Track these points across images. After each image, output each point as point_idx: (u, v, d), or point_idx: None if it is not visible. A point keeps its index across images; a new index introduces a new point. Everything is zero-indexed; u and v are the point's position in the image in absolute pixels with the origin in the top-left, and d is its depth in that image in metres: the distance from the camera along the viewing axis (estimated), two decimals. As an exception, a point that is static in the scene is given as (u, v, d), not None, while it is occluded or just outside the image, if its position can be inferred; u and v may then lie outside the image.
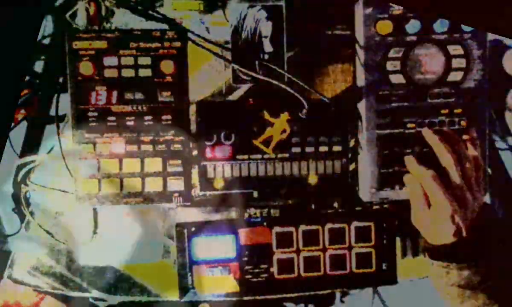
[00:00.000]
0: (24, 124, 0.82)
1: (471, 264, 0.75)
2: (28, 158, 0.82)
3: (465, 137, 0.80)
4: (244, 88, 0.83)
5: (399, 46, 0.80)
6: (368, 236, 0.84)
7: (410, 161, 0.79)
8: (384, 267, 0.85)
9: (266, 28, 0.81)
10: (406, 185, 0.80)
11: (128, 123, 0.79)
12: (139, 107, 0.79)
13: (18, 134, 0.82)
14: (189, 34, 0.80)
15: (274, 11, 0.81)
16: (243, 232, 0.83)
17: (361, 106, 0.81)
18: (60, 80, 0.80)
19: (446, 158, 0.76)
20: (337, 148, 0.83)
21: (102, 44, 0.78)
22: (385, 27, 0.80)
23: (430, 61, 0.80)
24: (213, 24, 0.82)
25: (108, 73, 0.78)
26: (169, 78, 0.79)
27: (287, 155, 0.82)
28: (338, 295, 0.86)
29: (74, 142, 0.79)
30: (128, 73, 0.79)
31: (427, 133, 0.80)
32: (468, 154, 0.78)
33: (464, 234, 0.75)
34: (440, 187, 0.74)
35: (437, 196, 0.75)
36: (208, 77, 0.82)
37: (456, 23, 0.80)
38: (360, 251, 0.84)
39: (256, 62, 0.81)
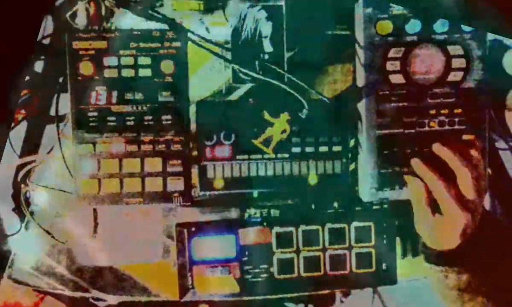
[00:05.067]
0: (24, 124, 0.82)
1: (469, 268, 0.75)
2: (28, 158, 0.82)
3: (465, 137, 0.80)
4: (244, 88, 0.83)
5: (399, 46, 0.80)
6: (368, 236, 0.84)
7: (418, 165, 0.78)
8: (384, 267, 0.85)
9: (266, 28, 0.81)
10: (409, 187, 0.79)
11: (128, 123, 0.79)
12: (139, 107, 0.79)
13: (18, 134, 0.82)
14: (189, 34, 0.80)
15: (274, 11, 0.81)
16: (243, 232, 0.83)
17: (361, 106, 0.81)
18: (60, 80, 0.80)
19: (463, 172, 0.74)
20: (337, 148, 0.83)
21: (102, 44, 0.78)
22: (385, 27, 0.80)
23: (430, 61, 0.80)
24: (213, 24, 0.82)
25: (108, 73, 0.78)
26: (169, 78, 0.79)
27: (287, 155, 0.82)
28: (338, 295, 0.86)
29: (74, 142, 0.79)
30: (128, 73, 0.79)
31: (438, 148, 0.78)
32: (479, 162, 0.77)
33: (467, 241, 0.74)
34: (453, 198, 0.73)
35: (450, 207, 0.73)
36: (208, 77, 0.82)
37: (456, 23, 0.80)
38: (360, 251, 0.84)
39: (256, 62, 0.81)
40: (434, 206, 0.75)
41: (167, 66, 0.79)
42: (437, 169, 0.75)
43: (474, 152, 0.76)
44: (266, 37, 0.81)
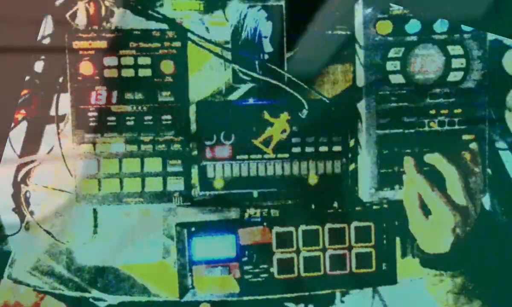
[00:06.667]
0: (24, 124, 0.82)
1: (464, 271, 0.75)
2: (28, 158, 0.82)
3: (465, 137, 0.80)
4: (244, 88, 0.83)
5: (399, 46, 0.80)
6: (368, 236, 0.84)
7: (409, 165, 0.79)
8: (384, 267, 0.85)
9: (266, 28, 0.81)
10: (403, 190, 0.80)
11: (128, 123, 0.79)
12: (139, 107, 0.79)
13: (18, 134, 0.81)
14: (189, 34, 0.80)
15: (274, 11, 0.81)
16: (243, 232, 0.83)
17: (361, 106, 0.81)
18: (60, 80, 0.80)
19: (450, 173, 0.75)
20: (337, 148, 0.83)
21: (102, 44, 0.78)
22: (385, 27, 0.80)
23: (430, 61, 0.80)
24: (213, 24, 0.82)
25: (108, 73, 0.78)
26: (169, 78, 0.79)
27: (287, 155, 0.82)
28: (338, 295, 0.86)
29: (74, 142, 0.79)
30: (128, 73, 0.79)
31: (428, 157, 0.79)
32: (470, 163, 0.77)
33: (462, 243, 0.75)
34: (441, 198, 0.74)
35: (438, 207, 0.74)
36: (208, 77, 0.82)
37: (456, 23, 0.80)
38: (360, 251, 0.84)
39: (256, 62, 0.81)
40: (426, 209, 0.76)
41: (167, 66, 0.79)
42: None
43: (466, 151, 0.77)
44: (266, 37, 0.81)
